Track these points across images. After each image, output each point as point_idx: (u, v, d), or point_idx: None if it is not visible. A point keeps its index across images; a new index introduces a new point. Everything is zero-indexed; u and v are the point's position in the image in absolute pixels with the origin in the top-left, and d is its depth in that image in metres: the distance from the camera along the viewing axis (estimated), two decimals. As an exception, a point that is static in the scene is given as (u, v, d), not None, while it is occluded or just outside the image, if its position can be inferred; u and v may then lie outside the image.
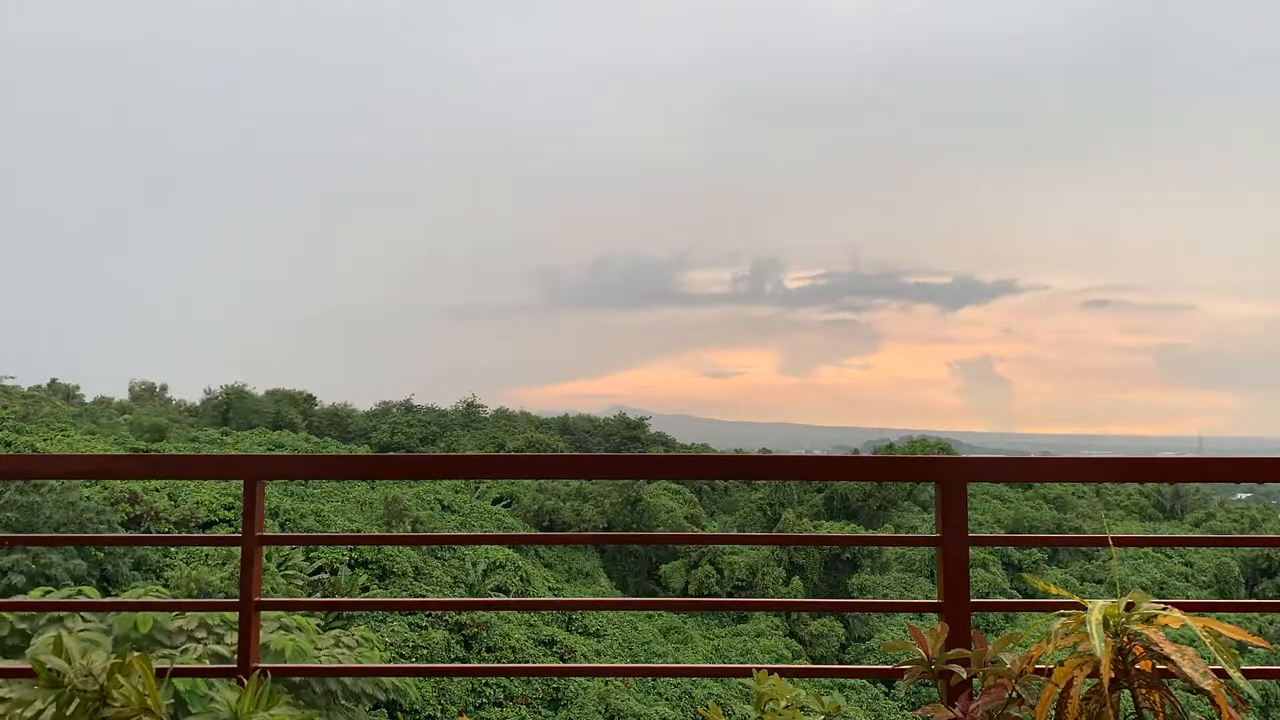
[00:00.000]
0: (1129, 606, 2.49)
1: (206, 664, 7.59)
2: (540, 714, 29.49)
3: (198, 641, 7.97)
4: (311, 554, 31.77)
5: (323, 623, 18.22)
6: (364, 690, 9.31)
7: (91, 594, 8.08)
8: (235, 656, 3.56)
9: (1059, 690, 2.47)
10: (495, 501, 51.96)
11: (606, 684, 31.73)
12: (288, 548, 30.99)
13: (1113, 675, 2.36)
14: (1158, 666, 2.45)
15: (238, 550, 3.69)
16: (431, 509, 45.08)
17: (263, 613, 3.46)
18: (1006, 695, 2.63)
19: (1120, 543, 3.44)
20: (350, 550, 33.49)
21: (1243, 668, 2.38)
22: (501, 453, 48.52)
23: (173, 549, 31.30)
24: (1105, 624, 2.43)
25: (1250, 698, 2.42)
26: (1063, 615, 2.56)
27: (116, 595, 19.52)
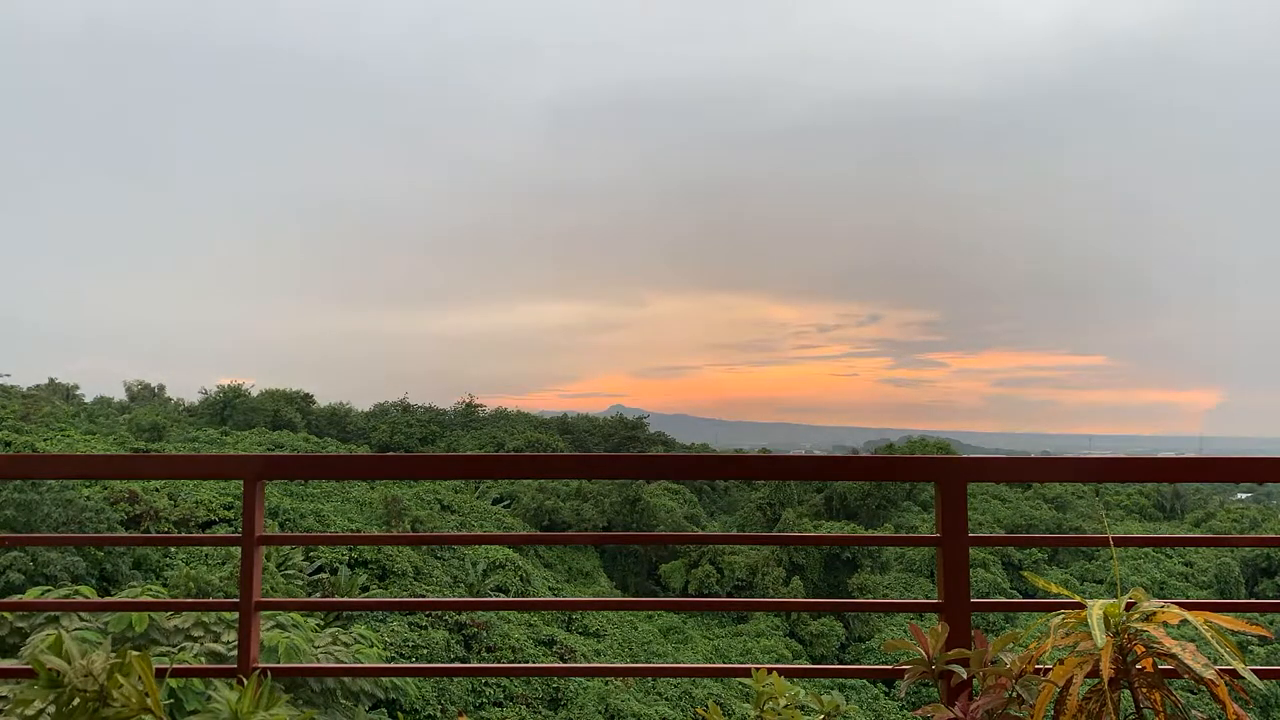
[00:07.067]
0: (1129, 605, 2.48)
1: (203, 663, 7.58)
2: (540, 714, 29.50)
3: (195, 640, 7.96)
4: (311, 554, 31.81)
5: (322, 622, 18.21)
6: (363, 689, 9.31)
7: (89, 593, 8.09)
8: (232, 654, 3.55)
9: (1058, 689, 2.46)
10: (495, 501, 51.99)
11: (606, 684, 31.75)
12: (288, 548, 31.03)
13: (1113, 673, 2.35)
14: (1159, 666, 2.44)
15: (237, 550, 3.68)
16: (431, 509, 45.10)
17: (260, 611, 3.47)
18: (1006, 695, 2.63)
19: (1120, 543, 3.43)
20: (350, 550, 33.54)
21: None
22: (501, 453, 48.53)
23: (172, 549, 31.33)
24: (1105, 622, 2.42)
25: (1255, 691, 2.42)
26: (1062, 614, 2.55)
27: (116, 594, 19.51)
